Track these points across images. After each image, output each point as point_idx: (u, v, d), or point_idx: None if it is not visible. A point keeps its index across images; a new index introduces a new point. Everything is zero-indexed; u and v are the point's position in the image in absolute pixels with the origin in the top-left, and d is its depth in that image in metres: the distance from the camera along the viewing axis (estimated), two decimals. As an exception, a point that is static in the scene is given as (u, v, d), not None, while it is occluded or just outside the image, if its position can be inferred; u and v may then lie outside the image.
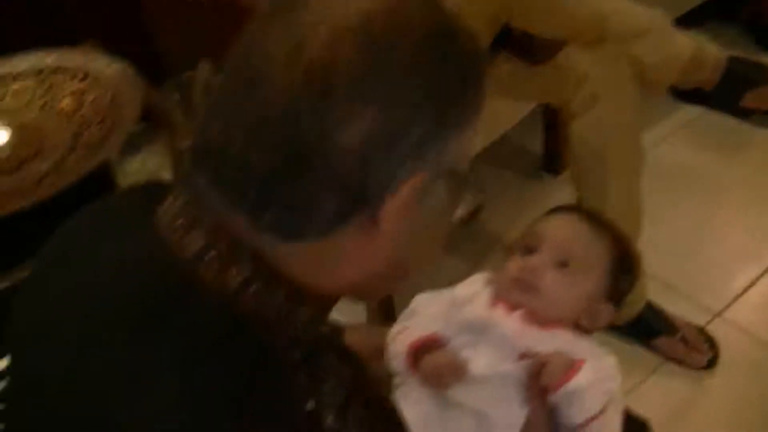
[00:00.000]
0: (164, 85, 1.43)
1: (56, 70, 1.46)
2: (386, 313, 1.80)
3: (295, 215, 0.66)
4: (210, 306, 0.67)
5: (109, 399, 0.65)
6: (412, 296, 1.11)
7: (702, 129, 2.39)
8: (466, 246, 2.07)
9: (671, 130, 2.43)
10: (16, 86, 1.45)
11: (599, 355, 1.02)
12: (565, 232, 1.06)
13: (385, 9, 0.66)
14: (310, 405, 0.66)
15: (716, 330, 1.92)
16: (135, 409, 0.64)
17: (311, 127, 0.63)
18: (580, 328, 1.04)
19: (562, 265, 1.03)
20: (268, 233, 0.67)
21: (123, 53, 1.47)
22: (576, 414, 0.96)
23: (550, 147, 2.34)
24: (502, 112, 1.94)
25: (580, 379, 0.95)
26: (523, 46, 1.78)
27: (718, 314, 1.98)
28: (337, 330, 0.77)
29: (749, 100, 1.77)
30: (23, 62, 1.48)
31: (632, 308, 1.86)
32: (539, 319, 1.01)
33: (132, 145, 1.37)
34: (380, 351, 1.05)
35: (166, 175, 1.38)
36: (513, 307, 1.01)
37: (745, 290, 2.03)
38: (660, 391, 1.82)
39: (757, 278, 2.04)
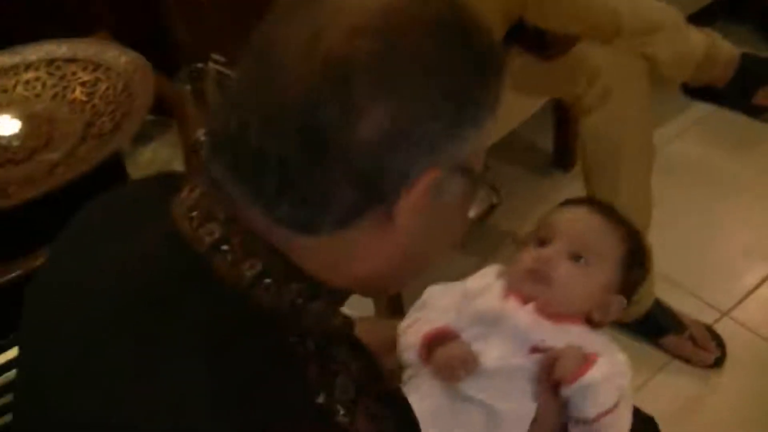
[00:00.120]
0: (176, 76, 1.43)
1: (68, 61, 1.46)
2: (395, 306, 1.80)
3: (311, 208, 0.66)
4: (224, 298, 0.67)
5: (119, 390, 0.65)
6: (422, 289, 1.11)
7: (713, 126, 2.39)
8: (476, 241, 2.07)
9: (682, 128, 2.43)
10: (28, 76, 1.45)
11: (612, 350, 1.02)
12: (578, 224, 1.07)
13: (405, 3, 0.65)
14: (321, 398, 0.67)
15: (724, 328, 1.92)
16: (145, 400, 0.64)
17: (328, 118, 0.63)
18: (592, 321, 1.05)
19: (576, 256, 1.03)
20: (283, 226, 0.67)
21: (135, 44, 1.47)
22: (590, 408, 0.96)
23: (561, 143, 2.33)
24: (513, 107, 1.93)
25: (595, 373, 0.95)
26: (536, 41, 1.77)
27: (726, 313, 1.97)
28: (349, 323, 0.76)
29: (761, 97, 1.77)
30: (35, 52, 1.48)
31: (640, 306, 1.86)
32: (552, 311, 1.01)
33: (144, 136, 1.37)
34: (390, 344, 1.05)
35: (178, 166, 1.38)
36: (525, 299, 1.01)
37: (754, 289, 2.02)
38: (667, 389, 1.82)
39: (766, 277, 2.04)
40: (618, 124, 1.72)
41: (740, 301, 2.00)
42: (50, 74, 1.45)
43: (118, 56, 1.43)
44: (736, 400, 1.81)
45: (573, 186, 2.12)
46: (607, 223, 1.07)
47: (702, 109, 2.33)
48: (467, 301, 1.05)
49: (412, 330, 1.04)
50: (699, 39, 1.68)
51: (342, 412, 0.68)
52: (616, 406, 0.96)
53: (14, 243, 1.23)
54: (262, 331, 0.67)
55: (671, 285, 2.00)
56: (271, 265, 0.68)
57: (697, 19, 2.01)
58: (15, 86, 1.44)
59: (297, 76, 0.64)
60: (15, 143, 1.33)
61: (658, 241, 1.64)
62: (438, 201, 0.69)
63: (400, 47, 0.64)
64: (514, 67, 1.80)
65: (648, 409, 1.16)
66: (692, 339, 1.88)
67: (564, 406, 0.98)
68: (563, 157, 2.34)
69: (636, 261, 1.07)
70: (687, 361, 1.88)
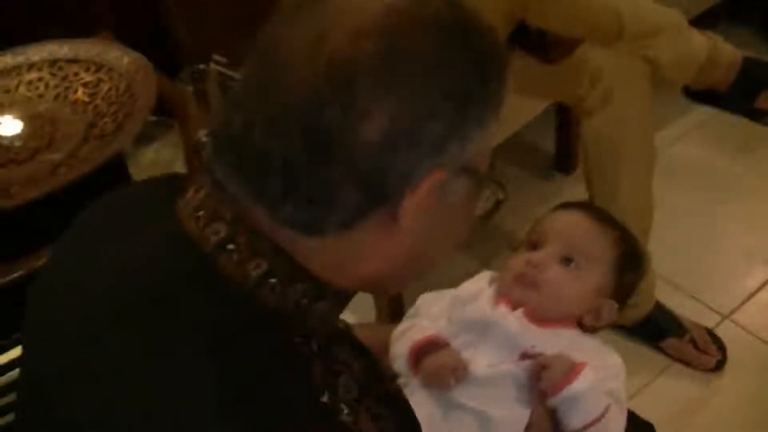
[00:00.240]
0: (178, 77, 1.43)
1: (71, 61, 1.46)
2: (395, 311, 1.80)
3: (315, 209, 0.66)
4: (229, 297, 0.67)
5: (122, 390, 0.65)
6: (421, 294, 1.11)
7: (715, 130, 2.39)
8: (477, 244, 2.07)
9: (684, 131, 2.43)
10: (30, 76, 1.45)
11: (603, 354, 1.02)
12: (569, 228, 1.06)
13: (406, 4, 0.66)
14: (325, 398, 0.67)
15: (725, 332, 1.92)
16: (149, 399, 0.64)
17: (332, 120, 0.63)
18: (584, 326, 1.04)
19: (567, 260, 1.03)
20: (287, 227, 0.67)
21: (137, 45, 1.47)
22: (574, 418, 0.96)
23: (563, 145, 2.33)
24: (515, 110, 1.93)
25: (579, 384, 0.95)
26: (538, 44, 1.77)
27: (727, 316, 1.97)
28: (349, 326, 0.77)
29: (762, 101, 1.77)
30: (38, 53, 1.48)
31: (641, 309, 1.86)
32: (541, 317, 1.00)
33: (146, 136, 1.37)
34: (388, 348, 1.05)
35: (179, 166, 1.38)
36: (515, 304, 1.01)
37: (755, 292, 2.02)
38: (668, 393, 1.82)
39: (767, 281, 2.04)
40: (619, 126, 1.72)
41: (741, 304, 1.99)
42: (53, 75, 1.45)
43: (121, 57, 1.44)
44: (737, 403, 1.81)
45: (575, 188, 2.12)
46: (598, 227, 1.06)
47: (703, 112, 2.33)
48: (458, 308, 1.05)
49: (403, 339, 1.03)
50: (701, 42, 1.68)
51: (346, 411, 0.68)
52: (603, 415, 0.96)
53: (16, 243, 1.23)
54: (267, 331, 0.67)
55: (672, 288, 2.00)
56: (276, 265, 0.68)
57: (700, 21, 2.01)
58: (17, 86, 1.45)
59: (301, 77, 0.64)
60: (17, 143, 1.33)
61: (659, 244, 1.64)
62: (443, 201, 0.69)
63: (403, 49, 0.64)
64: (516, 69, 1.79)
65: (648, 412, 1.16)
66: (693, 342, 1.88)
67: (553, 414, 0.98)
68: (565, 159, 2.34)
69: (629, 265, 1.07)
70: (688, 364, 1.88)
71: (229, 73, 1.59)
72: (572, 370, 0.96)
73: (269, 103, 0.66)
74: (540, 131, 2.31)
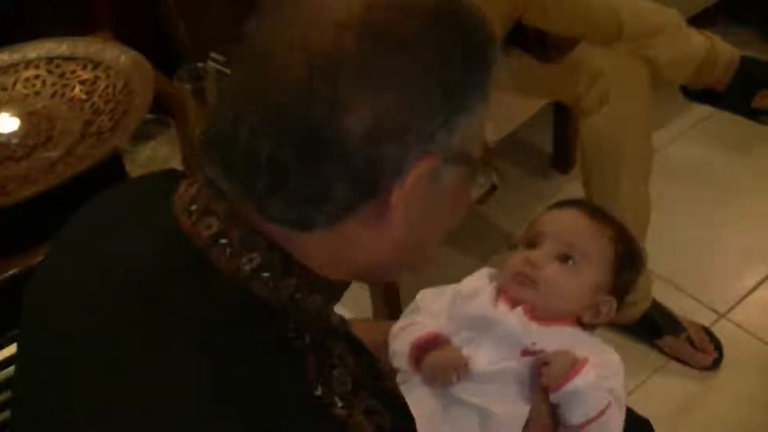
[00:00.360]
0: (176, 75, 1.43)
1: (68, 59, 1.46)
2: (392, 307, 1.80)
3: (303, 205, 0.66)
4: (223, 292, 0.67)
5: (118, 386, 0.66)
6: (419, 290, 1.11)
7: (713, 129, 2.39)
8: (474, 243, 2.07)
9: (682, 130, 2.43)
10: (27, 74, 1.45)
11: (603, 352, 1.02)
12: (567, 226, 1.06)
13: None
14: (319, 391, 0.67)
15: (722, 330, 1.92)
16: (145, 394, 0.64)
17: (317, 117, 0.63)
18: (583, 324, 1.04)
19: (564, 258, 1.03)
20: (277, 223, 0.67)
21: (135, 43, 1.47)
22: (575, 414, 0.96)
23: (561, 144, 2.34)
24: (513, 108, 1.94)
25: (581, 380, 0.95)
26: (536, 43, 1.77)
27: (724, 314, 1.98)
28: (344, 322, 0.77)
29: (760, 100, 1.77)
30: (35, 50, 1.48)
31: (638, 307, 1.86)
32: (541, 314, 1.01)
33: (143, 134, 1.37)
34: (384, 345, 1.05)
35: (176, 164, 1.38)
36: (514, 302, 1.01)
37: (752, 291, 2.03)
38: (664, 391, 1.83)
39: (764, 279, 2.04)
40: (618, 125, 1.72)
41: (738, 303, 2.00)
42: (50, 72, 1.45)
43: (118, 55, 1.44)
44: (733, 401, 1.81)
45: (572, 187, 2.12)
46: (596, 225, 1.06)
47: (702, 111, 2.34)
48: (459, 305, 1.05)
49: (403, 335, 1.04)
50: (699, 41, 1.69)
51: (340, 404, 0.68)
52: (603, 412, 0.96)
53: (13, 240, 1.23)
54: (260, 326, 0.67)
55: (669, 286, 2.00)
56: (269, 259, 0.68)
57: (698, 21, 2.02)
58: (15, 84, 1.45)
59: (285, 74, 0.64)
60: (14, 141, 1.33)
61: (657, 243, 1.64)
62: (435, 189, 0.68)
63: (385, 40, 0.64)
64: (513, 68, 1.81)
65: (645, 410, 1.17)
66: (690, 340, 1.88)
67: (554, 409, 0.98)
68: (563, 158, 2.35)
69: (627, 263, 1.07)
70: (684, 362, 1.88)
71: (227, 71, 1.59)
72: (575, 365, 0.96)
73: (254, 101, 0.66)
74: (538, 130, 2.31)
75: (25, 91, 1.43)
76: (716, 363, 1.87)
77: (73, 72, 1.44)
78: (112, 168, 1.29)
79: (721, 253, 2.11)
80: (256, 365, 0.65)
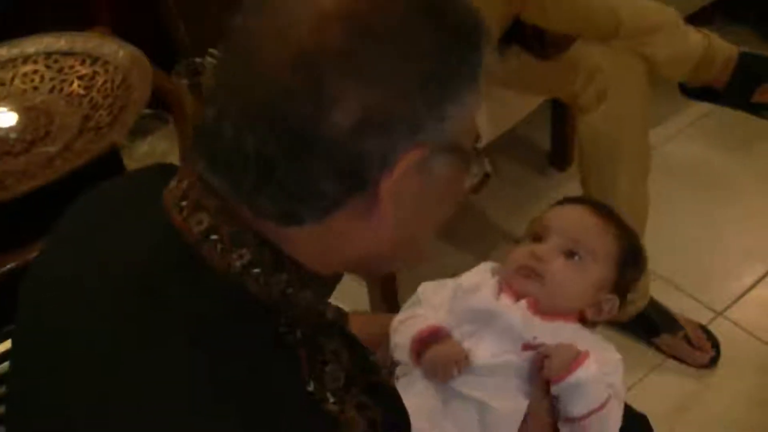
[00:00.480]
0: (174, 70, 1.43)
1: (66, 54, 1.46)
2: (390, 300, 1.81)
3: (291, 200, 0.65)
4: (215, 288, 0.67)
5: (113, 382, 0.65)
6: (417, 285, 1.11)
7: (711, 126, 2.39)
8: (472, 240, 2.07)
9: (680, 128, 2.43)
10: (26, 69, 1.45)
11: (603, 349, 1.02)
12: (574, 222, 1.07)
13: None
14: (311, 387, 0.67)
15: (719, 328, 1.92)
16: (139, 390, 0.64)
17: (302, 109, 0.62)
18: (585, 321, 1.05)
19: (570, 254, 1.04)
20: (265, 218, 0.67)
21: (133, 38, 1.47)
22: (577, 406, 0.96)
23: (558, 142, 2.34)
24: (511, 106, 1.94)
25: (583, 372, 0.96)
26: (534, 41, 1.77)
27: (721, 313, 1.98)
28: (341, 315, 0.76)
29: (759, 95, 1.77)
30: (34, 45, 1.47)
31: (636, 305, 1.87)
32: (544, 309, 1.01)
33: (141, 129, 1.37)
34: (384, 339, 1.05)
35: (174, 159, 1.38)
36: (518, 296, 1.02)
37: (749, 289, 2.03)
38: (661, 389, 1.83)
39: (762, 278, 2.04)
40: (615, 123, 1.73)
41: (735, 301, 2.00)
42: (48, 67, 1.45)
43: (116, 50, 1.43)
44: (730, 399, 1.81)
45: (570, 185, 2.12)
46: (602, 222, 1.07)
47: (700, 109, 2.34)
48: (460, 298, 1.05)
49: (404, 328, 1.04)
50: (697, 39, 1.69)
51: (332, 400, 0.68)
52: (604, 405, 0.96)
53: (11, 235, 1.23)
54: (253, 322, 0.67)
55: (667, 284, 2.01)
56: (259, 255, 0.67)
57: (695, 19, 2.02)
58: (13, 79, 1.44)
59: (269, 68, 0.63)
60: (12, 136, 1.33)
61: (654, 241, 1.64)
62: (425, 180, 0.68)
63: (369, 31, 0.63)
64: (511, 66, 1.81)
65: (642, 408, 1.17)
66: (687, 339, 1.88)
67: (554, 403, 0.98)
68: (560, 155, 2.35)
69: (631, 261, 1.08)
70: (681, 360, 1.88)
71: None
72: (576, 358, 0.96)
73: (239, 95, 0.65)
74: (535, 127, 2.31)
75: (24, 86, 1.43)
76: (713, 361, 1.87)
77: (72, 67, 1.44)
78: (110, 163, 1.29)
79: (719, 251, 2.11)
80: (254, 362, 0.65)
